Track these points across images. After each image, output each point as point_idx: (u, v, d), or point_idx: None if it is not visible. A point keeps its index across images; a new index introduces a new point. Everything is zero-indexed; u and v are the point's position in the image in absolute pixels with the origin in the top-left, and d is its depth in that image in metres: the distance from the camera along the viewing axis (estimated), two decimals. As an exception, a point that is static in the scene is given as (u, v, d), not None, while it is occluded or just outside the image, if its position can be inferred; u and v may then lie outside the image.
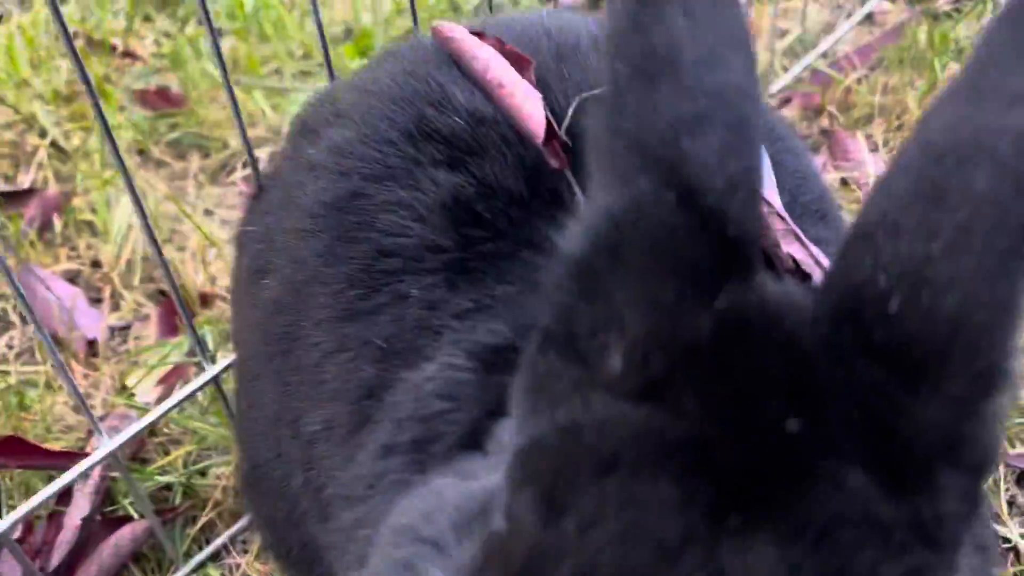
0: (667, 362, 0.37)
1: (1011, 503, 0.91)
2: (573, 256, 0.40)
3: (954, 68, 1.41)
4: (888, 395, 0.36)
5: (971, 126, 0.36)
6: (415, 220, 0.55)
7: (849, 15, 1.59)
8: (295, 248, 0.60)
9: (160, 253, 0.84)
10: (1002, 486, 0.91)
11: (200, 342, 0.91)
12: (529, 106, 0.54)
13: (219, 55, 0.80)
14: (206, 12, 0.77)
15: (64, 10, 1.72)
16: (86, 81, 0.72)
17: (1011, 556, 0.88)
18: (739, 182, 0.39)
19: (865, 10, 1.59)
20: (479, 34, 0.60)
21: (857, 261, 0.37)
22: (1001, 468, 0.92)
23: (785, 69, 1.49)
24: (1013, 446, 0.94)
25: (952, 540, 0.38)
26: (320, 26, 0.84)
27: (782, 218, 0.53)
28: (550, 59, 0.59)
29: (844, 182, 1.28)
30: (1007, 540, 0.88)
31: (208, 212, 1.35)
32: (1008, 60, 0.37)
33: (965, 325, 0.35)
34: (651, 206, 0.38)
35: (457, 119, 0.56)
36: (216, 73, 1.51)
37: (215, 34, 0.81)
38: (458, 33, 0.59)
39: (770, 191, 0.54)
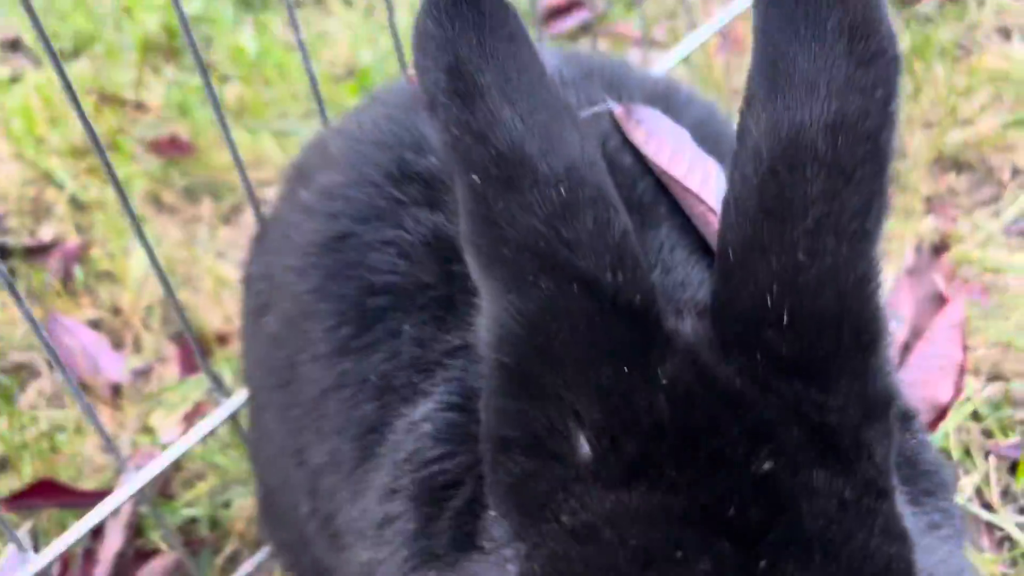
0: (639, 444, 0.41)
1: (1005, 492, 0.93)
2: (503, 365, 0.43)
3: (938, 70, 1.44)
4: (811, 400, 0.40)
5: (785, 127, 0.39)
6: (401, 258, 0.58)
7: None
8: (291, 286, 0.64)
9: (174, 298, 0.89)
10: (994, 477, 0.93)
11: (216, 380, 0.95)
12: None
13: (216, 104, 0.85)
14: (202, 66, 0.82)
15: (77, 65, 1.80)
16: (96, 143, 0.77)
17: (1006, 544, 0.90)
18: (621, 250, 0.42)
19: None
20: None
21: (741, 287, 0.41)
22: (993, 459, 0.94)
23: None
24: (1006, 436, 0.96)
25: (886, 471, 0.43)
26: (312, 75, 0.88)
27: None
28: None
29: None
30: (1000, 528, 0.90)
31: (221, 254, 1.41)
32: (789, 45, 0.40)
33: (846, 313, 0.39)
34: (561, 303, 0.41)
35: (433, 160, 0.59)
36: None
37: (210, 85, 0.86)
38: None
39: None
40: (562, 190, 0.42)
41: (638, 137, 0.58)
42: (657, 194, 0.58)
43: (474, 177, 0.42)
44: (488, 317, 0.44)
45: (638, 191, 0.57)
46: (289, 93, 1.64)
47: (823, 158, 0.39)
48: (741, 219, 0.41)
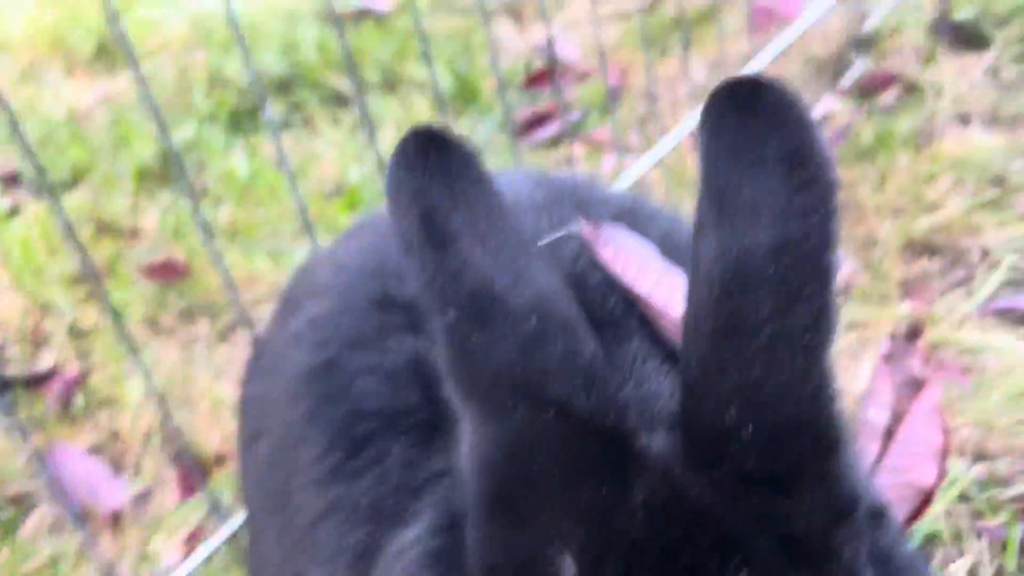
0: (620, 563, 0.44)
1: (998, 573, 0.93)
2: (485, 492, 0.45)
3: (902, 160, 1.50)
4: (778, 509, 0.42)
5: (734, 251, 0.42)
6: (386, 383, 0.61)
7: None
8: (282, 413, 0.66)
9: (171, 424, 0.91)
10: (987, 557, 0.94)
11: (215, 503, 0.97)
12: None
13: (204, 229, 0.88)
14: (193, 196, 0.87)
15: (75, 195, 1.87)
16: (93, 273, 0.80)
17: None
18: (592, 373, 0.45)
19: (819, 111, 1.70)
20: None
21: (704, 404, 0.43)
22: (985, 539, 0.95)
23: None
24: (995, 515, 0.97)
25: (857, 572, 0.45)
26: (301, 201, 0.93)
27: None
28: None
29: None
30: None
31: (218, 373, 1.43)
32: (733, 174, 0.43)
33: (804, 423, 0.42)
34: (537, 429, 0.44)
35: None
36: (216, 241, 1.62)
37: (199, 211, 0.90)
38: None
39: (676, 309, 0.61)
40: (532, 321, 0.45)
41: (606, 255, 0.62)
42: (627, 309, 0.61)
43: (450, 314, 0.45)
44: (469, 445, 0.46)
45: (608, 307, 0.60)
46: (280, 212, 1.70)
47: (770, 279, 0.42)
48: (700, 339, 0.44)
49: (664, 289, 0.61)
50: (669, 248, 0.67)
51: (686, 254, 0.68)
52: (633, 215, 0.71)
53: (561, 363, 0.45)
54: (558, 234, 0.64)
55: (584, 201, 0.70)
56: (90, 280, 1.63)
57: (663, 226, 0.71)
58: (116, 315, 0.95)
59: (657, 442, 0.47)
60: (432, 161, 0.47)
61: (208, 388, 1.35)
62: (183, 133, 2.00)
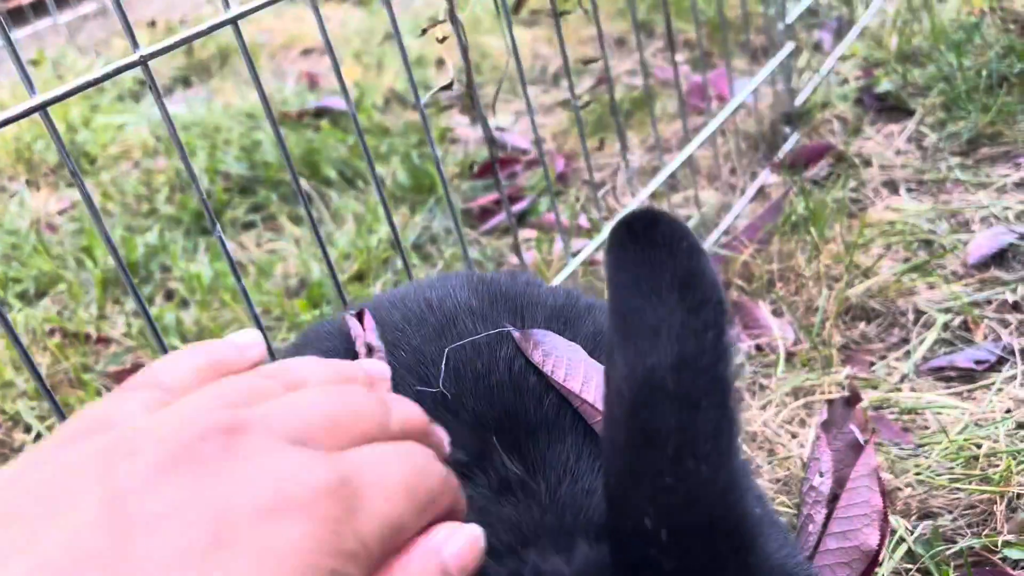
0: None
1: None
2: None
3: (836, 229, 1.58)
4: None
5: (639, 370, 0.46)
6: None
7: (742, 192, 1.78)
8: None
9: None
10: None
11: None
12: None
13: (157, 336, 0.91)
14: (144, 308, 0.90)
15: (41, 304, 1.89)
16: (47, 393, 0.82)
17: None
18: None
19: (756, 185, 1.79)
20: (360, 314, 0.72)
21: (624, 513, 0.47)
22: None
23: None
24: (940, 573, 1.01)
25: None
26: (252, 311, 0.97)
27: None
28: (432, 333, 0.71)
29: (758, 347, 1.40)
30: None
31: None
32: (635, 299, 0.48)
33: (715, 523, 0.46)
34: None
35: None
36: (181, 346, 1.65)
37: (152, 323, 0.93)
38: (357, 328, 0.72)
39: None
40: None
41: (536, 358, 0.67)
42: (560, 408, 0.65)
43: None
44: None
45: (544, 408, 0.65)
46: (245, 313, 1.74)
47: (672, 394, 0.46)
48: (616, 453, 0.47)
49: (592, 387, 0.66)
50: (601, 344, 0.72)
51: None
52: (566, 313, 0.76)
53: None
54: (490, 333, 0.68)
55: (520, 304, 0.75)
56: (63, 383, 1.65)
57: (595, 323, 0.76)
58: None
59: (588, 552, 0.51)
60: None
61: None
62: (147, 238, 2.04)
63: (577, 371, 0.66)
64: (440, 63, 2.67)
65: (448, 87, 1.17)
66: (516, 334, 0.69)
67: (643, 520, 0.45)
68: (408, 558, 0.36)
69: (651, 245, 0.49)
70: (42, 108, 0.72)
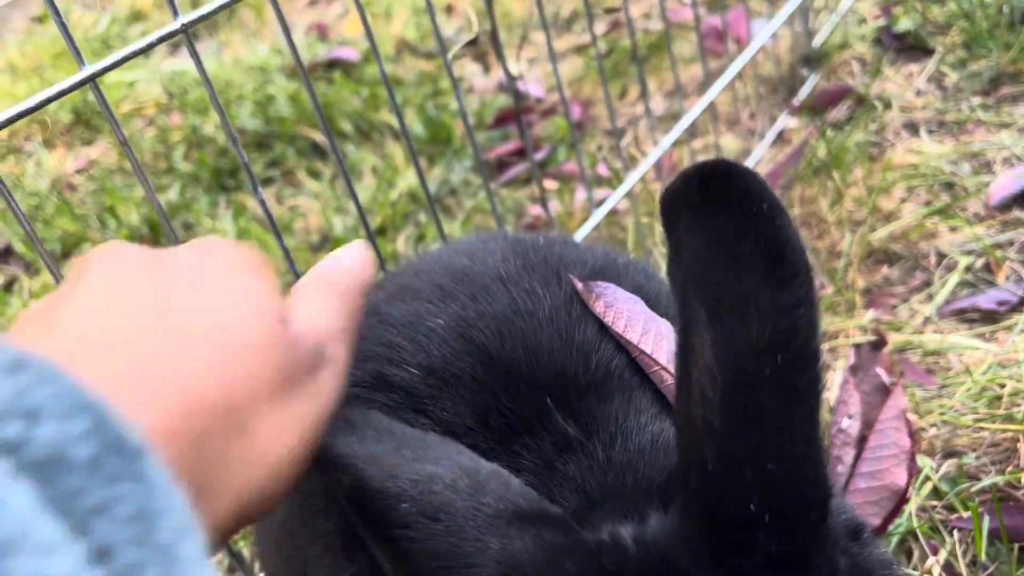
0: None
1: (972, 563, 1.01)
2: None
3: (857, 172, 1.58)
4: None
5: (735, 352, 0.45)
6: None
7: (761, 137, 1.78)
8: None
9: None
10: (959, 549, 1.01)
11: (237, 557, 1.02)
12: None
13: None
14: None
15: (66, 267, 1.92)
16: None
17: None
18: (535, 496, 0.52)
19: (776, 129, 1.79)
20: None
21: (726, 497, 0.46)
22: (956, 533, 1.02)
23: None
24: (966, 508, 1.04)
25: None
26: (293, 266, 0.99)
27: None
28: (470, 299, 0.71)
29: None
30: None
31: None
32: (715, 270, 0.46)
33: (811, 503, 0.46)
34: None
35: (411, 370, 0.66)
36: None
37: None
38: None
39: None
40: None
41: (598, 308, 0.68)
42: (608, 368, 0.66)
43: (396, 532, 0.49)
44: None
45: (591, 368, 0.66)
46: (271, 268, 1.75)
47: (770, 378, 0.45)
48: (711, 435, 0.46)
49: (651, 339, 0.68)
50: (643, 299, 0.73)
51: (658, 302, 0.75)
52: (606, 272, 0.77)
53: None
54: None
55: (558, 263, 0.76)
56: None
57: (635, 279, 0.77)
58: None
59: (652, 530, 0.50)
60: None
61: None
62: (168, 195, 2.06)
63: (636, 322, 0.68)
64: (450, 10, 2.65)
65: (474, 42, 1.17)
66: (579, 285, 0.70)
67: (748, 506, 0.45)
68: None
69: (727, 206, 0.46)
70: (92, 79, 0.73)
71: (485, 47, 2.36)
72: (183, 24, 0.77)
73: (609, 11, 1.41)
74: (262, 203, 0.89)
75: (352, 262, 0.56)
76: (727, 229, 0.46)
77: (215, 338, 0.42)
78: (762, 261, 0.45)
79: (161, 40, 0.76)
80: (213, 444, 0.39)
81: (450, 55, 1.06)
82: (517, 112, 1.23)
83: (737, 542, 0.46)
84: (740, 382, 0.45)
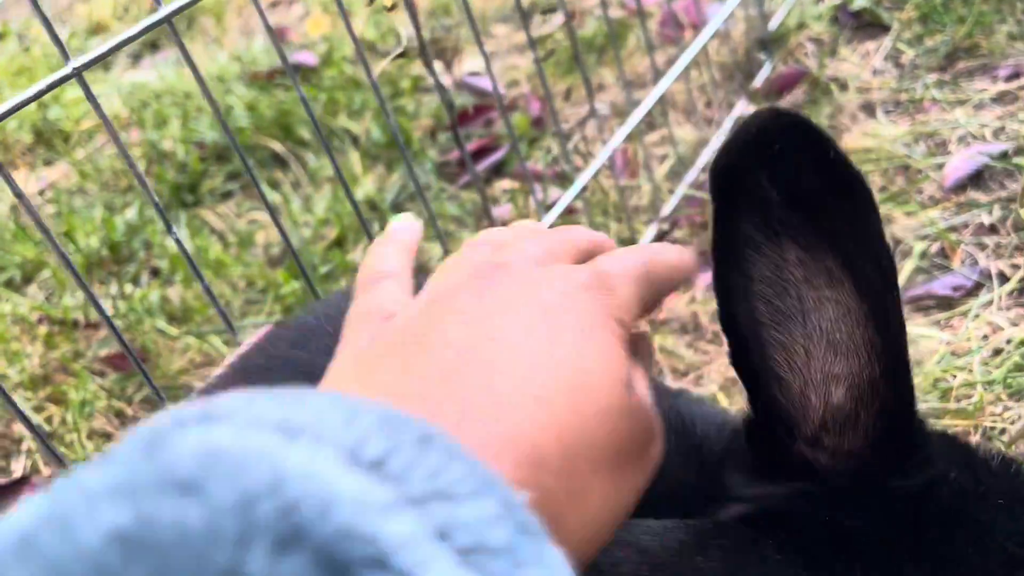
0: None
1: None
2: None
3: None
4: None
5: (877, 287, 0.48)
6: None
7: (719, 125, 1.76)
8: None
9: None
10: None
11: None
12: None
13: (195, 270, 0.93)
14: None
15: (28, 291, 1.90)
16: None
17: None
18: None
19: (733, 117, 1.76)
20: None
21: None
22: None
23: (671, 192, 1.64)
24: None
25: None
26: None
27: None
28: None
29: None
30: None
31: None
32: (810, 212, 0.49)
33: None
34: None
35: None
36: (168, 328, 1.66)
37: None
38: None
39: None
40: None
41: None
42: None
43: None
44: None
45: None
46: (229, 286, 1.74)
47: (894, 309, 0.50)
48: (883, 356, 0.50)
49: None
50: None
51: None
52: None
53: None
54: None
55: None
56: (57, 372, 1.67)
57: None
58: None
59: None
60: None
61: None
62: (126, 215, 2.04)
63: None
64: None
65: (402, 55, 1.15)
66: None
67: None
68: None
69: (807, 153, 0.47)
70: (78, 74, 0.78)
71: (445, 43, 2.33)
72: (167, 15, 0.79)
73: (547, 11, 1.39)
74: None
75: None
76: (820, 177, 0.47)
77: (567, 398, 0.38)
78: (856, 203, 0.47)
79: (147, 30, 0.79)
80: (552, 507, 0.37)
81: (381, 66, 1.05)
82: (452, 124, 1.21)
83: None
84: (883, 315, 0.48)
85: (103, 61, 0.77)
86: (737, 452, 0.56)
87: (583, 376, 0.39)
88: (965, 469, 0.53)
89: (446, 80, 2.24)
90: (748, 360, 0.54)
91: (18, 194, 0.76)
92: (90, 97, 0.80)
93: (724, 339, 0.53)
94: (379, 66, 1.12)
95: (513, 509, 0.27)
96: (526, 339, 0.40)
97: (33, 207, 0.80)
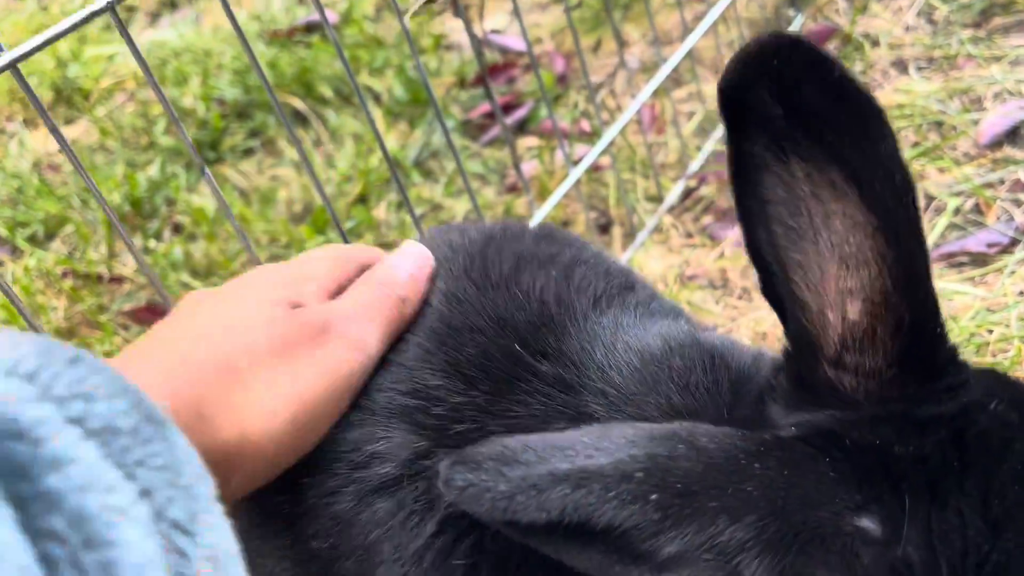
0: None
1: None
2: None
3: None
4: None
5: (888, 199, 0.48)
6: None
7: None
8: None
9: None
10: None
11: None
12: None
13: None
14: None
15: (52, 246, 1.90)
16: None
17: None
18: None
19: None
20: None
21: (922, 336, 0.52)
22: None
23: (698, 149, 1.62)
24: None
25: None
26: (339, 224, 0.97)
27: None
28: None
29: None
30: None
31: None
32: (856, 146, 0.49)
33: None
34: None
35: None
36: (192, 282, 1.66)
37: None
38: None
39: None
40: None
41: None
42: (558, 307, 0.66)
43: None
44: None
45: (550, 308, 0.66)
46: (252, 242, 1.73)
47: (912, 219, 0.49)
48: (911, 283, 0.49)
49: None
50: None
51: None
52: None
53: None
54: None
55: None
56: (81, 324, 1.68)
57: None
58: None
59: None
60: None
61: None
62: (148, 172, 2.03)
63: None
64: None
65: (428, 4, 1.13)
66: None
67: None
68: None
69: (811, 72, 0.46)
70: (111, 7, 0.78)
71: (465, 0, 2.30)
72: None
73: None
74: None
75: (396, 260, 0.66)
76: (822, 94, 0.47)
77: (222, 324, 0.58)
78: (864, 120, 0.47)
79: None
80: (213, 390, 0.53)
81: (407, 16, 1.03)
82: (483, 75, 1.19)
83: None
84: (894, 228, 0.48)
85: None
86: (774, 386, 0.56)
87: (238, 311, 0.59)
88: (1011, 403, 0.52)
89: (468, 39, 2.22)
90: (774, 287, 0.53)
91: (61, 141, 0.76)
92: (123, 32, 0.79)
93: (753, 296, 0.52)
94: (405, 17, 1.10)
95: (141, 404, 0.39)
96: (209, 313, 0.59)
97: (75, 154, 0.80)
